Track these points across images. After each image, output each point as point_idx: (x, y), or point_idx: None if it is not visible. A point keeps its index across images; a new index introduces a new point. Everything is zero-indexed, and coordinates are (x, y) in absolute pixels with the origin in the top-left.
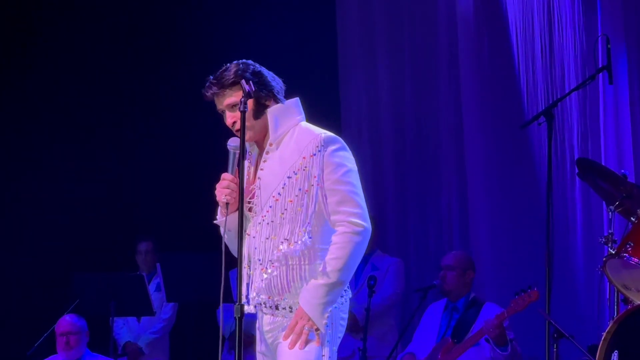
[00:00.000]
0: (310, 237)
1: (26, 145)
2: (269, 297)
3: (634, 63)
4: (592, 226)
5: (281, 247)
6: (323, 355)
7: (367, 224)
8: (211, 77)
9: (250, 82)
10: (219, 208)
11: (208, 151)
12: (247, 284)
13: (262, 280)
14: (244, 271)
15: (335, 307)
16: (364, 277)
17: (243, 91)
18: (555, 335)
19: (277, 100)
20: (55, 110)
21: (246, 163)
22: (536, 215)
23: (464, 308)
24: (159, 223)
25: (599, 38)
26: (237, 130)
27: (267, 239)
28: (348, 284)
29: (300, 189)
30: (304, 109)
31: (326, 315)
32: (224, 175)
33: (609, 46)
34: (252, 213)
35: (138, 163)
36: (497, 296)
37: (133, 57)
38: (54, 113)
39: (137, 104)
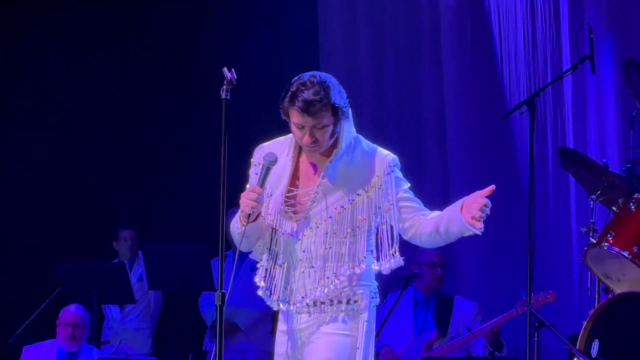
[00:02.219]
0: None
1: (6, 134)
2: (302, 294)
3: (617, 53)
4: (574, 215)
5: (352, 266)
6: (358, 348)
7: None
8: (304, 93)
9: (232, 70)
10: (237, 216)
11: (190, 141)
12: (280, 282)
13: (305, 279)
14: (277, 270)
15: (373, 305)
16: None
17: (225, 78)
18: (537, 325)
19: (347, 118)
20: (35, 99)
21: (277, 169)
22: (518, 205)
23: (438, 302)
24: (140, 212)
25: (582, 28)
26: (311, 146)
27: (323, 246)
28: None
29: (379, 207)
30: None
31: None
32: (253, 188)
33: (591, 36)
34: (299, 215)
35: (120, 152)
36: (479, 288)
37: (115, 48)
38: (34, 103)
39: (118, 92)
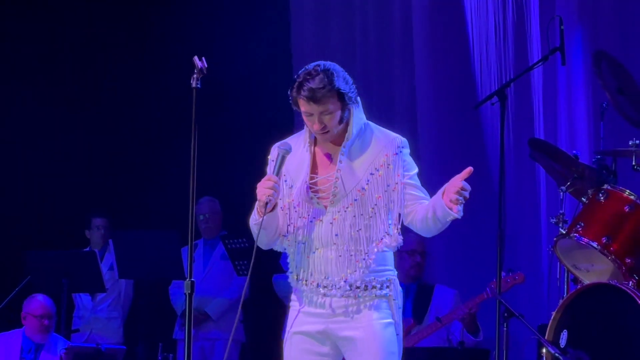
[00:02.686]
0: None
1: None
2: (344, 279)
3: (588, 44)
4: (544, 206)
5: (377, 243)
6: (398, 334)
7: None
8: (310, 82)
9: (203, 59)
10: (256, 207)
11: (162, 130)
12: (315, 269)
13: (341, 263)
14: (311, 258)
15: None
16: None
17: (196, 67)
18: (506, 315)
19: (356, 104)
20: (4, 88)
21: (290, 160)
22: (488, 195)
23: (417, 290)
24: (111, 201)
25: (553, 19)
26: (322, 134)
27: (353, 228)
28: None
29: (388, 185)
30: (257, 93)
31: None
32: (269, 176)
33: (562, 27)
34: (325, 201)
35: (91, 141)
36: (448, 277)
37: (88, 38)
38: (3, 91)
39: (90, 82)
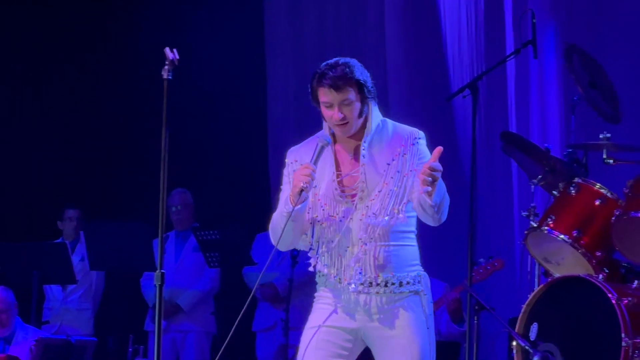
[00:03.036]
0: (405, 215)
1: None
2: (377, 275)
3: (560, 38)
4: (515, 199)
5: (403, 232)
6: (428, 328)
7: None
8: (331, 72)
9: (174, 50)
10: (289, 196)
11: (134, 122)
12: (348, 266)
13: (375, 259)
14: (342, 254)
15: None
16: None
17: (167, 59)
18: (476, 308)
19: (374, 100)
20: None
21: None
22: (460, 188)
23: None
24: (82, 192)
25: (525, 12)
26: (340, 125)
27: (382, 220)
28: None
29: (399, 171)
30: (230, 87)
31: (439, 197)
32: (307, 164)
33: (534, 20)
34: (354, 198)
35: (63, 132)
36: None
37: (59, 29)
38: None
39: (61, 73)
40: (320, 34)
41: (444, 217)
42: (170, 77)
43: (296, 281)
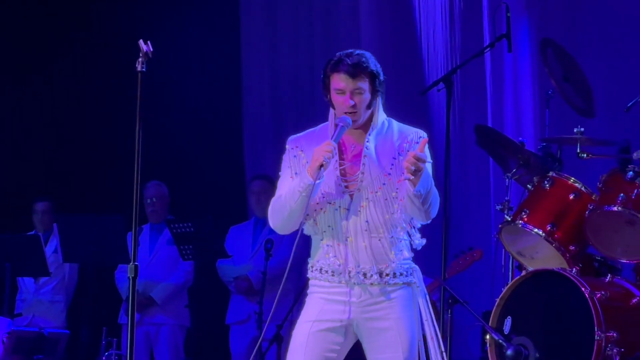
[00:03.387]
0: (401, 210)
1: None
2: (372, 266)
3: (534, 32)
4: (490, 193)
5: (399, 225)
6: (426, 320)
7: None
8: (348, 59)
9: (148, 43)
10: (306, 171)
11: (109, 114)
12: (348, 257)
13: (373, 250)
14: (341, 246)
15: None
16: (261, 240)
17: (141, 51)
18: (450, 301)
19: (382, 96)
20: None
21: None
22: (435, 182)
23: None
24: (57, 185)
25: (500, 6)
26: (350, 113)
27: (379, 213)
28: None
29: (402, 168)
30: (205, 79)
31: (423, 188)
32: (328, 142)
33: (508, 14)
34: (352, 188)
35: (37, 124)
36: None
37: (32, 20)
38: None
39: (34, 64)
40: (295, 26)
41: (432, 213)
42: (144, 70)
43: (269, 274)
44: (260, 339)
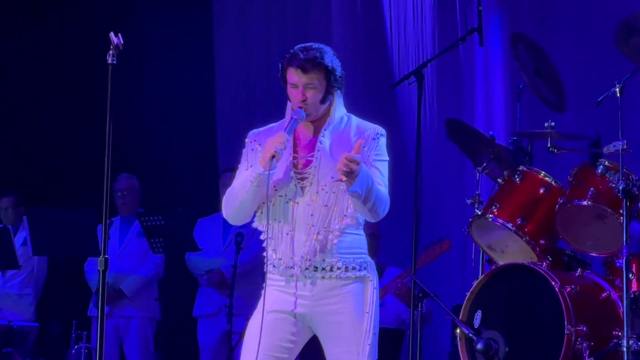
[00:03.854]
0: (352, 205)
1: None
2: (323, 260)
3: (506, 26)
4: (460, 187)
5: (344, 218)
6: (367, 312)
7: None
8: (302, 53)
9: (119, 35)
10: (242, 179)
11: (80, 106)
12: (291, 250)
13: (318, 243)
14: (286, 238)
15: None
16: (232, 233)
17: (112, 43)
18: (420, 295)
19: (340, 91)
20: None
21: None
22: (405, 175)
23: None
24: (26, 178)
25: (471, 0)
26: (302, 105)
27: (327, 206)
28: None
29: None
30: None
31: (360, 187)
32: (282, 133)
33: (480, 8)
34: (304, 182)
35: (7, 116)
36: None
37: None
38: None
39: (3, 54)
40: (267, 22)
41: (380, 212)
42: (115, 62)
43: (240, 268)
44: (231, 332)
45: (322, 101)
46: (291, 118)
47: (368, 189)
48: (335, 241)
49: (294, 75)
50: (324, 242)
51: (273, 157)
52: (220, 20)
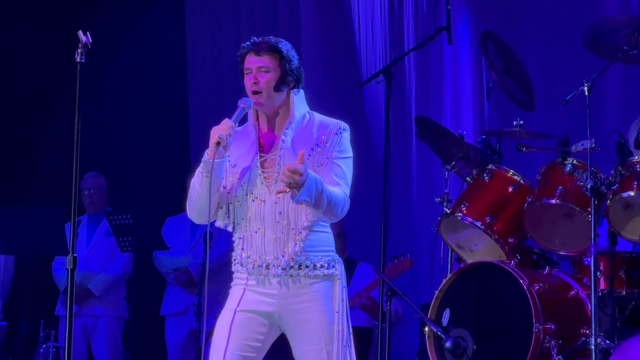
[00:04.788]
0: None
1: None
2: (291, 258)
3: (474, 25)
4: (430, 185)
5: (309, 215)
6: (337, 312)
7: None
8: (257, 39)
9: (88, 34)
10: (197, 172)
11: (47, 104)
12: (260, 249)
13: (287, 241)
14: (254, 237)
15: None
16: (200, 232)
17: (80, 42)
18: (389, 293)
19: (298, 87)
20: None
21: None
22: (374, 174)
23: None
24: None
25: None
26: (253, 92)
27: (298, 205)
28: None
29: (320, 162)
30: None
31: (308, 195)
32: (226, 120)
33: (448, 7)
34: (269, 180)
35: None
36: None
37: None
38: None
39: None
40: (237, 17)
41: (337, 214)
42: (83, 61)
43: (208, 266)
44: (203, 332)
45: (276, 89)
46: (239, 106)
47: (318, 193)
48: (303, 238)
49: (248, 61)
50: (293, 240)
51: (218, 144)
52: (192, 18)
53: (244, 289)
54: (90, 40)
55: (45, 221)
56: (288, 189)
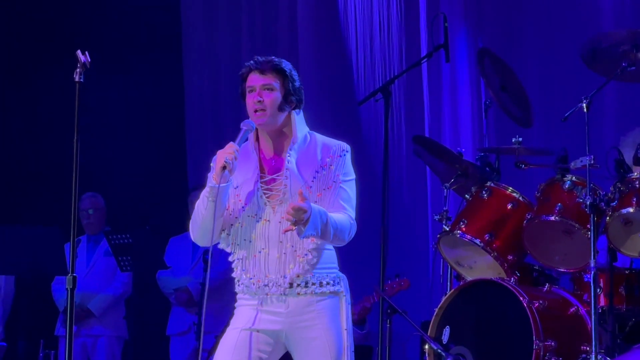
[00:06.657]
0: None
1: None
2: (297, 276)
3: (472, 42)
4: (428, 203)
5: (312, 239)
6: (345, 329)
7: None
8: (260, 58)
9: (86, 53)
10: (202, 195)
11: (46, 125)
12: (264, 269)
13: (291, 261)
14: (258, 255)
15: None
16: (200, 251)
17: (79, 61)
18: (389, 311)
19: (299, 107)
20: None
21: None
22: (372, 192)
23: None
24: None
25: (437, 16)
26: (255, 111)
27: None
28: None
29: (327, 185)
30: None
31: (314, 230)
32: (231, 144)
33: (446, 25)
34: (273, 200)
35: None
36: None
37: None
38: None
39: None
40: (237, 35)
41: (344, 239)
42: (82, 80)
43: (209, 285)
44: (200, 349)
45: (280, 108)
46: (242, 129)
47: (323, 225)
48: (309, 257)
49: (250, 78)
50: (298, 259)
51: (224, 168)
52: (189, 35)
53: (249, 308)
54: (89, 60)
55: (44, 241)
56: (294, 227)
